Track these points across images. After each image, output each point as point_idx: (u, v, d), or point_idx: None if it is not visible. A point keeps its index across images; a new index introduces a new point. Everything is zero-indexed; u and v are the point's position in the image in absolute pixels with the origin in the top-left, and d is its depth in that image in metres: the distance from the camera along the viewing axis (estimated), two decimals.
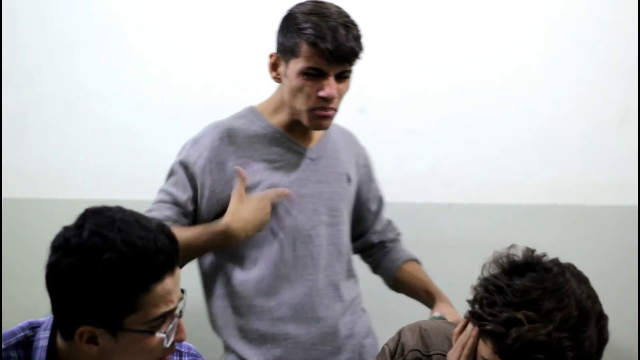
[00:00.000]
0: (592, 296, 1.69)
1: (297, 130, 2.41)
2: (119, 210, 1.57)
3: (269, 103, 2.44)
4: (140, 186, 3.12)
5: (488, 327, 1.64)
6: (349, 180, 2.50)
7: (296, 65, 2.30)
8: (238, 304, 2.42)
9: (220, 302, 2.44)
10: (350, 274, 2.52)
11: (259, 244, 2.40)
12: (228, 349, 2.45)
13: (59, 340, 1.62)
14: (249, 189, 2.36)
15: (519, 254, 1.74)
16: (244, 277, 2.41)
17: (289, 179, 2.40)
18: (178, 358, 1.77)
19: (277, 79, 2.38)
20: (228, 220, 2.33)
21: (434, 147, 3.21)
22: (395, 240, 2.67)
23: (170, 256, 1.54)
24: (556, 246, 3.16)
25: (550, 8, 3.18)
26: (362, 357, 2.50)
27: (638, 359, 3.14)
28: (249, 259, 2.41)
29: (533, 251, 1.74)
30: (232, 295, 2.42)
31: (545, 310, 1.62)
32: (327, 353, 2.45)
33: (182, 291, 1.61)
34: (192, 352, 1.80)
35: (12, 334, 1.64)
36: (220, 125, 2.42)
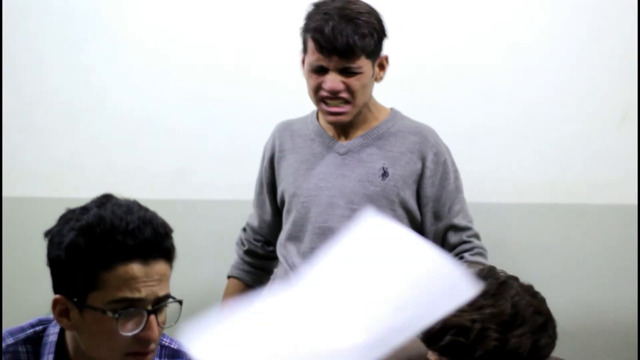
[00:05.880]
0: (538, 309, 1.68)
1: (337, 126, 2.50)
2: (130, 200, 1.60)
3: None
4: (141, 185, 3.12)
5: None
6: (384, 174, 2.48)
7: (307, 61, 2.42)
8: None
9: None
10: None
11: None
12: None
13: (68, 336, 1.64)
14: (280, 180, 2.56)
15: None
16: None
17: (312, 171, 2.49)
18: None
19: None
20: None
21: None
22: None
23: (144, 244, 1.55)
24: (556, 245, 3.19)
25: (550, 7, 3.18)
26: None
27: (638, 359, 3.14)
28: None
29: (494, 270, 1.74)
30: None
31: (478, 305, 1.63)
32: None
33: (180, 302, 1.61)
34: None
35: (22, 329, 1.66)
36: (282, 122, 2.61)
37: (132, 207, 1.57)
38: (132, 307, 1.55)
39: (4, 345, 1.62)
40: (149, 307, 1.56)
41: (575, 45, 3.18)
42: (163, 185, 3.23)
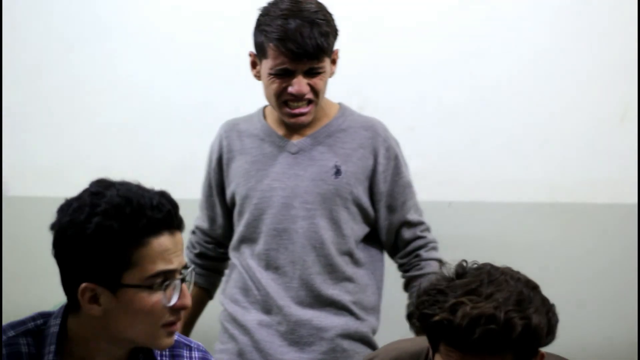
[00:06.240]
0: (531, 285, 1.72)
1: (286, 124, 2.49)
2: (121, 180, 1.65)
3: None
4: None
5: (434, 319, 1.65)
6: (337, 172, 2.48)
7: (266, 65, 2.40)
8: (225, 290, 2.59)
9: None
10: (333, 270, 2.48)
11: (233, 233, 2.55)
12: None
13: (70, 326, 1.65)
14: (228, 182, 2.54)
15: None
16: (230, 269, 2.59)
17: (264, 172, 2.48)
18: (188, 352, 1.78)
19: (257, 77, 2.47)
20: None
21: (434, 145, 3.21)
22: (411, 264, 2.56)
23: (168, 216, 1.60)
24: (556, 244, 3.19)
25: (550, 4, 3.18)
26: (334, 356, 2.47)
27: (638, 358, 3.14)
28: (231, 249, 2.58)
29: (466, 262, 1.77)
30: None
31: (486, 294, 1.65)
32: (289, 344, 2.46)
33: (193, 269, 1.68)
34: (201, 348, 1.82)
35: (22, 322, 1.67)
36: (227, 122, 2.58)
37: (139, 185, 1.63)
38: (167, 279, 1.60)
39: (5, 337, 1.63)
40: (178, 276, 1.62)
41: (574, 44, 3.19)
42: (163, 185, 3.21)
